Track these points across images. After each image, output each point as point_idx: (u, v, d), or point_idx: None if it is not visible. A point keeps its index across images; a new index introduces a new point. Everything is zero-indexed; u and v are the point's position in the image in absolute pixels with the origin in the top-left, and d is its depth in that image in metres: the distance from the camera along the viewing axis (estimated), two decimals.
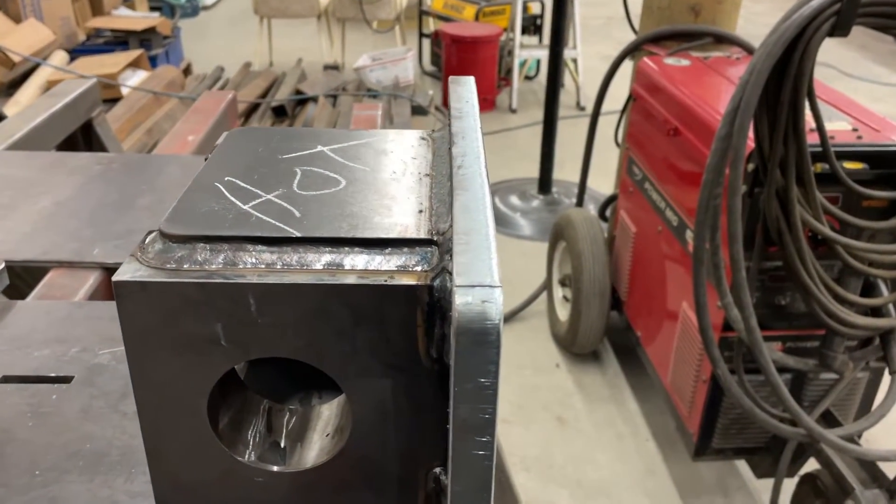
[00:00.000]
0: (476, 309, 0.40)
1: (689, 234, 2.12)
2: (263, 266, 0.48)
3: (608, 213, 2.97)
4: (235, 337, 0.48)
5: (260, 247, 0.49)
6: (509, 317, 3.25)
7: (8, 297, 1.12)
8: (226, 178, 0.57)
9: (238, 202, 0.54)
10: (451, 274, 0.45)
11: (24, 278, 1.19)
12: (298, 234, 0.50)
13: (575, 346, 2.90)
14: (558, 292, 3.11)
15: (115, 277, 0.47)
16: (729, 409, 2.07)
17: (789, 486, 2.05)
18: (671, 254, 2.29)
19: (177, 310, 0.47)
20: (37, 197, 1.12)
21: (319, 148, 0.64)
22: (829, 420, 1.99)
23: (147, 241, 0.50)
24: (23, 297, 0.99)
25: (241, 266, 0.48)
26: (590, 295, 2.73)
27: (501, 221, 4.06)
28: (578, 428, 2.66)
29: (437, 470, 0.53)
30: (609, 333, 2.97)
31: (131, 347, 0.48)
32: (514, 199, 4.27)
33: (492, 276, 0.42)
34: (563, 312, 3.04)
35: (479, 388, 0.41)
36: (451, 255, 0.46)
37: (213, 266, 0.48)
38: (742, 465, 2.45)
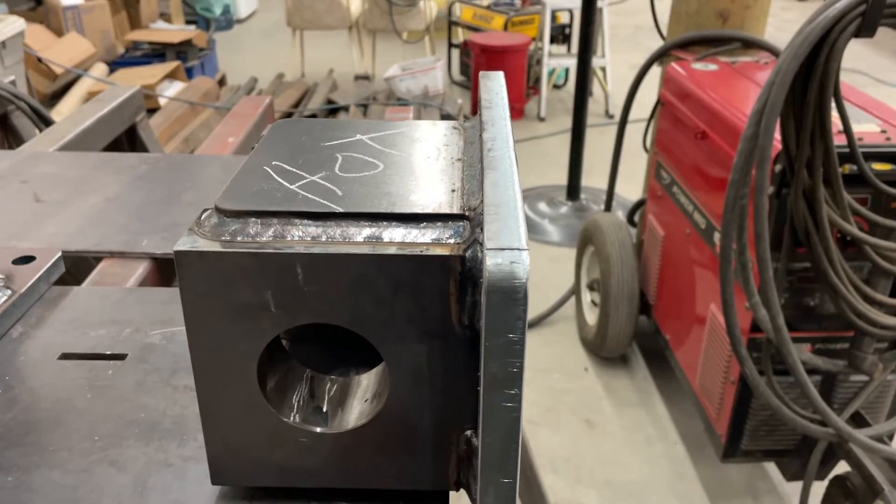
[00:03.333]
0: (505, 269, 0.44)
1: (717, 237, 2.13)
2: (310, 238, 0.52)
3: (636, 217, 2.99)
4: (284, 304, 0.52)
5: (306, 221, 0.53)
6: (538, 321, 3.27)
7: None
8: (273, 163, 0.62)
9: (285, 183, 0.58)
10: (482, 245, 0.49)
11: (71, 273, 1.25)
12: (341, 210, 0.54)
13: (603, 350, 2.92)
14: (586, 297, 3.13)
15: (175, 248, 0.51)
16: (758, 410, 2.07)
17: (819, 489, 2.05)
18: (699, 257, 2.31)
19: (231, 278, 0.52)
20: (87, 194, 1.18)
21: (358, 136, 0.68)
22: (858, 422, 1.99)
23: (203, 217, 0.55)
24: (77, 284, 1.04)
25: (289, 238, 0.52)
26: (618, 299, 2.74)
27: (530, 228, 4.09)
28: (607, 431, 2.67)
29: (469, 432, 0.56)
30: (638, 337, 2.98)
31: (189, 313, 0.53)
32: (543, 206, 4.30)
33: (520, 240, 0.46)
34: (591, 317, 3.05)
35: (508, 344, 0.45)
36: (481, 229, 0.50)
37: (264, 238, 0.52)
38: (771, 468, 2.44)
